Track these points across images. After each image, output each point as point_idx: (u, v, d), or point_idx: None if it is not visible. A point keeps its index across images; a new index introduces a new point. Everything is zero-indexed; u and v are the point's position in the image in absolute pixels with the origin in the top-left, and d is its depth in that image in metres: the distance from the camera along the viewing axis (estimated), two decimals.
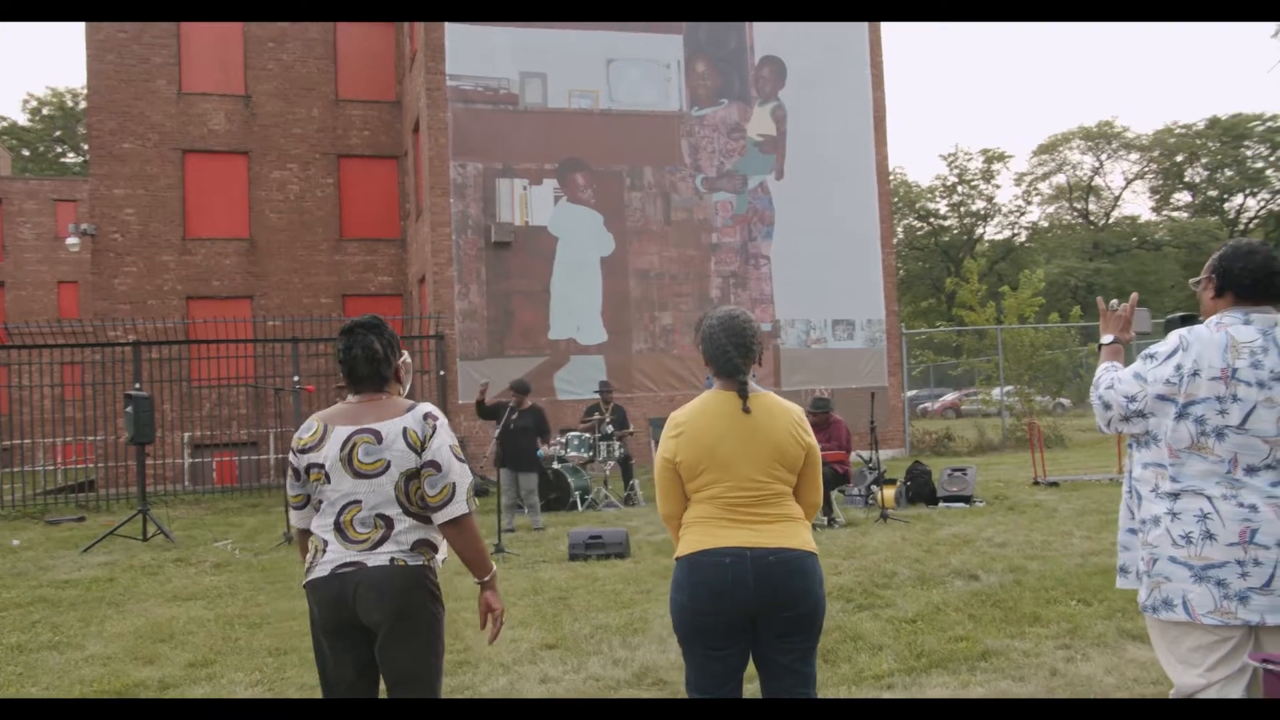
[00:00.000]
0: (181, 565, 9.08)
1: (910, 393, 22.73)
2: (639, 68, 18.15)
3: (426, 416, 2.93)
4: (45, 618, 6.92)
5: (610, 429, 12.77)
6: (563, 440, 12.79)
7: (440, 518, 2.91)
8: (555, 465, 12.53)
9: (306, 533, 3.01)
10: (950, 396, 34.36)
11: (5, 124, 50.96)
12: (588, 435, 12.72)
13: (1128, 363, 3.15)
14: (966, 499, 11.04)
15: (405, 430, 2.89)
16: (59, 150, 52.70)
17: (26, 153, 50.91)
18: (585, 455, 12.65)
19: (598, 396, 13.48)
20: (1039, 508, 10.49)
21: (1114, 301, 3.32)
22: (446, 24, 17.21)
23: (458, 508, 2.91)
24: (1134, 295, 3.36)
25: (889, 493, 10.96)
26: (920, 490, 11.36)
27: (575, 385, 17.23)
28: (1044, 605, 6.00)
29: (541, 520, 10.80)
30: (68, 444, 22.14)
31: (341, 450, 2.86)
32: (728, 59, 18.64)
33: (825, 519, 9.97)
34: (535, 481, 10.97)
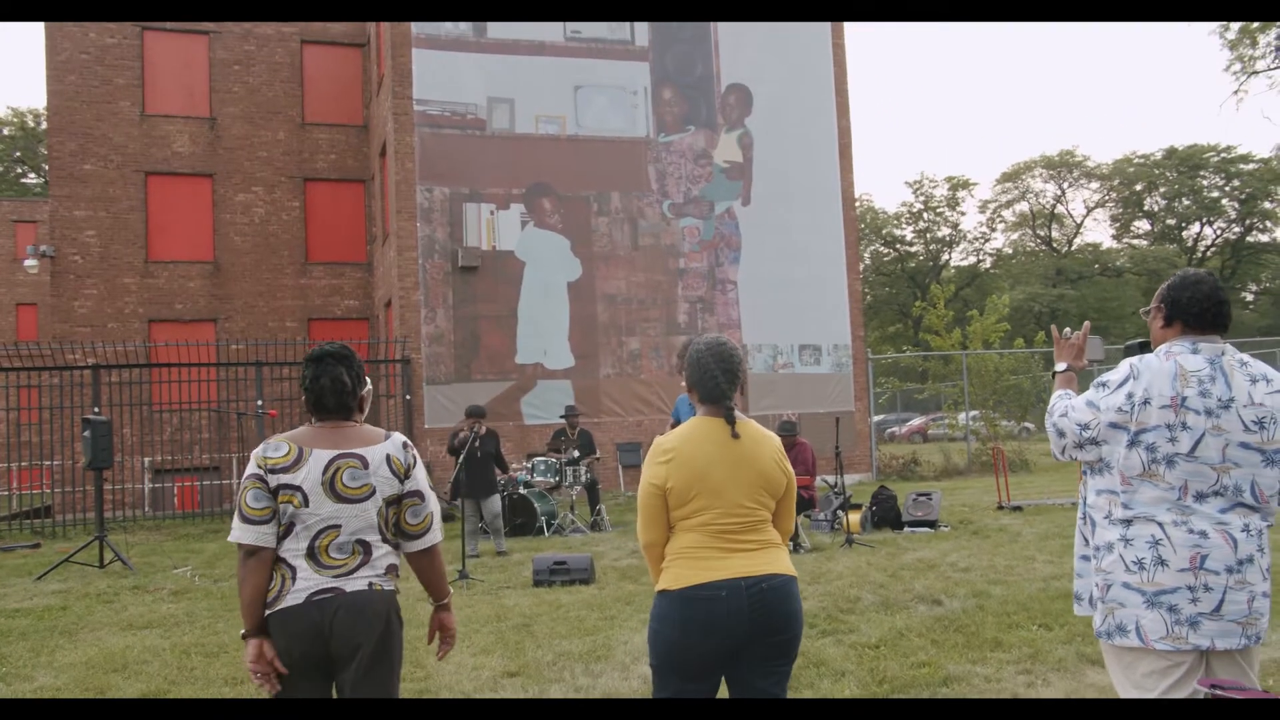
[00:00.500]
0: (139, 593, 8.91)
1: (877, 417, 22.91)
2: (606, 94, 18.25)
3: (406, 446, 2.97)
4: None
5: (576, 454, 12.73)
6: (529, 465, 12.73)
7: (415, 546, 2.95)
8: (521, 490, 12.46)
9: (258, 552, 2.80)
10: (917, 421, 34.64)
11: None
12: (554, 460, 12.67)
13: (1081, 390, 3.20)
14: (931, 524, 11.10)
15: (389, 457, 2.90)
16: (19, 171, 52.00)
17: None
18: (551, 480, 12.59)
19: (564, 421, 13.44)
20: (1003, 532, 10.56)
21: (1067, 330, 3.37)
22: (414, 49, 17.23)
23: (434, 536, 2.98)
24: (1086, 324, 3.42)
25: (854, 517, 10.99)
26: (886, 515, 11.41)
27: (542, 410, 17.18)
28: (1006, 630, 6.03)
29: (506, 545, 10.74)
30: (23, 469, 21.73)
31: (324, 474, 2.82)
32: (694, 86, 18.80)
33: (791, 544, 9.98)
34: (499, 505, 10.91)
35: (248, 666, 2.83)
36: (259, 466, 2.84)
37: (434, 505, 2.97)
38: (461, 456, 10.13)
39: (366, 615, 2.81)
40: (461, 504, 10.13)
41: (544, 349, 17.64)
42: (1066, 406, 3.09)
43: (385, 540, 2.91)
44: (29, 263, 20.52)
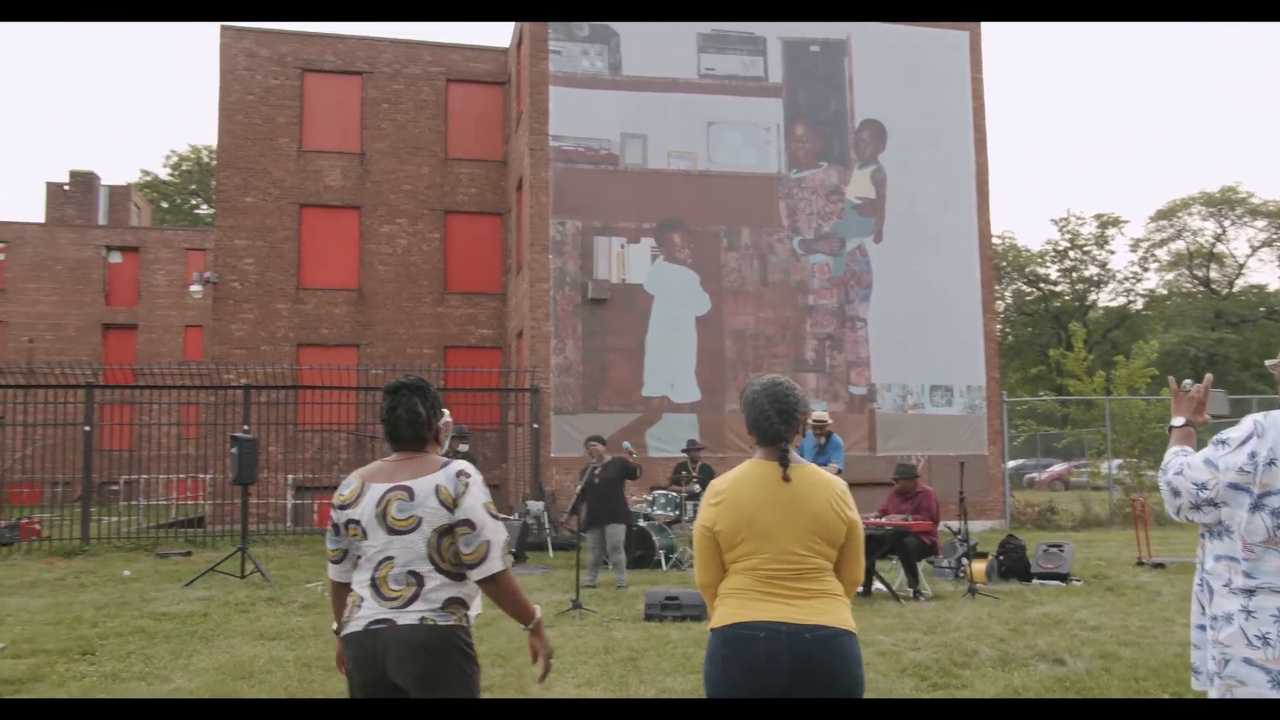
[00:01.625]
0: (272, 604, 9.37)
1: (1014, 463, 22.07)
2: (739, 130, 18.35)
3: (459, 474, 3.00)
4: (140, 648, 7.22)
5: (697, 488, 12.73)
6: (650, 498, 12.79)
7: (476, 575, 2.98)
8: (641, 522, 12.52)
9: (342, 587, 3.10)
10: (1058, 468, 33.14)
11: (149, 178, 54.31)
12: (674, 494, 12.70)
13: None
14: (1062, 577, 10.60)
15: (437, 487, 2.97)
16: (194, 203, 55.86)
17: (165, 204, 54.13)
18: (671, 514, 12.61)
19: (686, 455, 13.46)
20: (1140, 590, 10.00)
21: (1186, 381, 3.20)
22: (551, 86, 17.75)
23: (493, 565, 2.97)
24: (1208, 377, 3.23)
25: (979, 566, 10.61)
26: (1013, 566, 10.96)
27: (666, 443, 17.25)
28: (1132, 696, 5.71)
29: (626, 578, 10.75)
30: (182, 480, 23.19)
31: (377, 506, 2.95)
32: (827, 122, 18.71)
33: (911, 591, 9.70)
34: (622, 535, 10.89)
35: (337, 659, 3.19)
36: (333, 504, 3.09)
37: (491, 534, 2.96)
38: (580, 485, 10.27)
39: (415, 650, 2.87)
40: (585, 534, 10.24)
41: (670, 382, 17.74)
42: (1182, 464, 2.92)
43: (440, 571, 2.96)
44: (194, 288, 22.05)
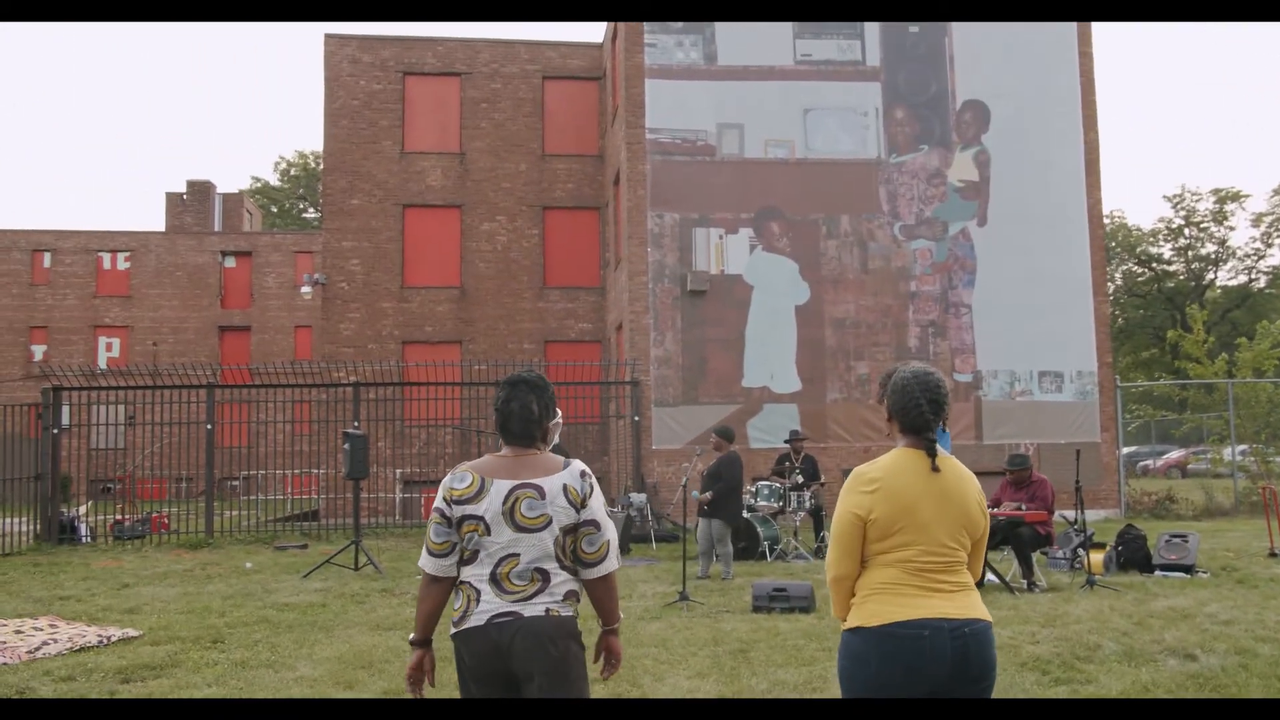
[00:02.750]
0: (386, 595, 9.64)
1: (1127, 449, 21.26)
2: (836, 116, 18.08)
3: (583, 474, 3.04)
4: (265, 637, 7.52)
5: (800, 479, 12.61)
6: (753, 489, 12.73)
7: (593, 573, 3.01)
8: (745, 514, 12.47)
9: (436, 580, 3.05)
10: (1175, 455, 31.76)
11: (259, 184, 56.44)
12: (778, 485, 12.61)
13: None
14: (1187, 568, 10.16)
15: (565, 487, 2.99)
16: (301, 207, 57.80)
17: (275, 209, 56.16)
18: (775, 505, 12.53)
19: (788, 446, 13.35)
20: (1275, 583, 9.51)
21: None
22: (647, 80, 17.77)
23: (610, 564, 3.03)
24: None
25: (1097, 557, 10.25)
26: (1133, 556, 10.55)
27: (768, 433, 17.13)
28: (1275, 696, 5.45)
29: (733, 571, 10.72)
30: (296, 476, 24.04)
31: (504, 504, 2.97)
32: (928, 104, 18.28)
33: (1025, 582, 9.44)
34: (729, 529, 10.87)
35: (408, 670, 3.14)
36: (444, 499, 3.04)
37: (610, 534, 3.02)
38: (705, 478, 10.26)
39: (542, 640, 2.91)
40: (697, 523, 10.22)
41: (771, 373, 17.61)
42: None
43: (564, 567, 3.00)
44: (305, 289, 22.80)
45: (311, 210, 56.15)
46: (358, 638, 7.48)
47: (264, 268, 37.07)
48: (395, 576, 10.99)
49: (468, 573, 3.04)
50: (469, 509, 3.00)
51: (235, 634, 7.68)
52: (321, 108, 21.30)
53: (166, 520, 16.15)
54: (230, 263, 37.11)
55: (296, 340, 36.51)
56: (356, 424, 15.18)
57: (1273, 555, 11.45)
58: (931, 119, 18.28)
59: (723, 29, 17.94)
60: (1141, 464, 31.36)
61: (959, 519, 2.80)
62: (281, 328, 36.70)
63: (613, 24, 19.89)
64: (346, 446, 11.53)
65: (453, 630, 3.04)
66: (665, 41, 17.86)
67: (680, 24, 17.89)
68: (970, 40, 18.41)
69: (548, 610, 2.95)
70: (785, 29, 18.07)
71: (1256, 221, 49.08)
